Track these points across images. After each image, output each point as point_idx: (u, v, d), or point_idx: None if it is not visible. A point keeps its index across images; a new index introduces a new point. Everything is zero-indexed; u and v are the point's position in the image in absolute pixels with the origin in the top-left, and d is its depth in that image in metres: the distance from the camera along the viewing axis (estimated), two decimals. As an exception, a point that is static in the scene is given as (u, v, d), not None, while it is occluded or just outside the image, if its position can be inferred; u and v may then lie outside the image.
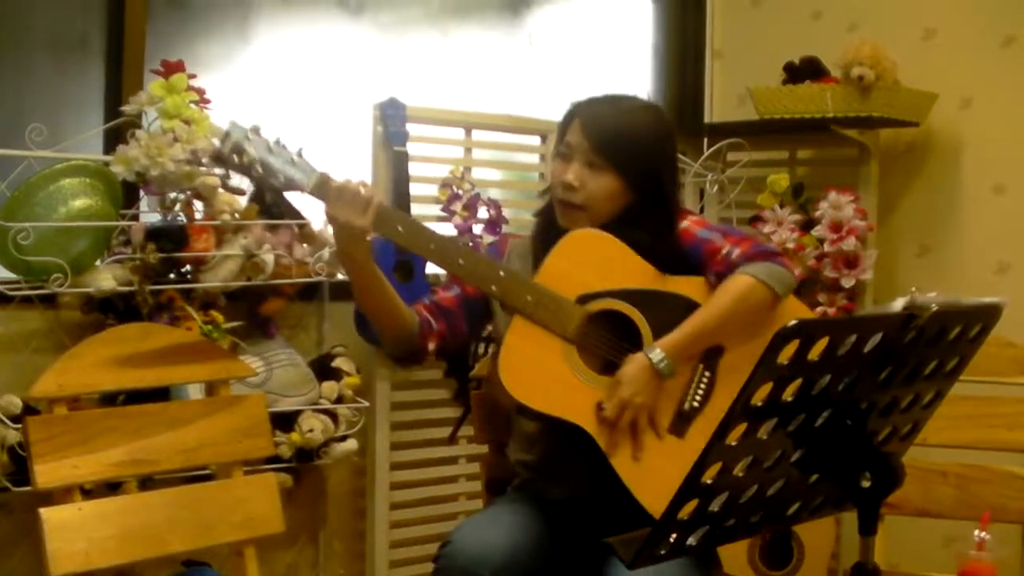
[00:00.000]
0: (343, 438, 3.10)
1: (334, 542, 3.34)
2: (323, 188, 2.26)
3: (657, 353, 2.32)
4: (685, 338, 2.35)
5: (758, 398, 1.45)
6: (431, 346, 2.45)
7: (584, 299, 2.37)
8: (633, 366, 2.33)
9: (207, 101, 2.84)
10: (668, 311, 2.39)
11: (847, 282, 3.57)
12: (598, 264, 2.39)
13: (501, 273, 2.35)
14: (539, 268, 2.38)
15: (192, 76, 2.82)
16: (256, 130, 2.26)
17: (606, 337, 2.39)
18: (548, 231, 2.46)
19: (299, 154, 2.28)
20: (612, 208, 2.41)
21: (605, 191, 2.39)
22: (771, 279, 2.37)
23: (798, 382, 1.47)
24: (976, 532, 2.22)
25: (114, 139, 2.89)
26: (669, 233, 2.44)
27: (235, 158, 2.24)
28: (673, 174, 2.51)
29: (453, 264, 2.34)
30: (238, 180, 2.93)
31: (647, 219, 2.42)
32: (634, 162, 2.39)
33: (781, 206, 3.68)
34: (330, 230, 2.34)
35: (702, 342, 2.37)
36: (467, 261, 2.34)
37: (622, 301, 2.39)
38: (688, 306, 2.39)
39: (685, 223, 2.47)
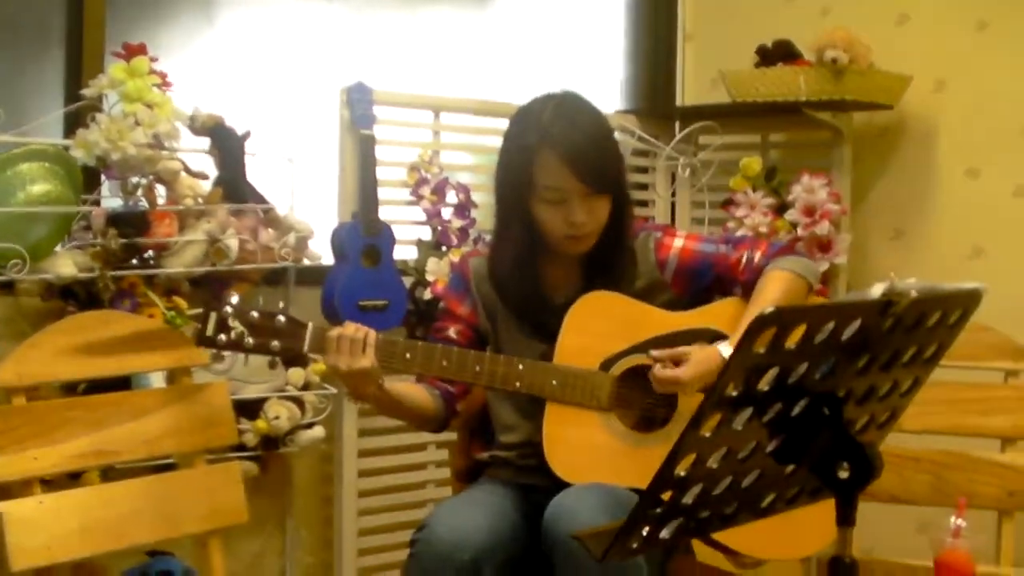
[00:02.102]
0: (310, 425, 3.07)
1: (301, 530, 3.32)
2: (320, 343, 2.26)
3: (729, 350, 2.34)
4: None
5: (733, 388, 1.41)
6: (460, 406, 2.54)
7: (607, 364, 2.40)
8: (705, 354, 2.34)
9: (169, 84, 2.80)
10: None
11: (820, 266, 3.54)
12: (609, 326, 2.41)
13: (520, 367, 2.36)
14: (556, 348, 2.39)
15: (154, 59, 2.78)
16: (237, 307, 2.24)
17: (638, 394, 2.42)
18: (531, 261, 2.46)
19: (283, 314, 2.26)
20: (606, 219, 2.42)
21: (605, 214, 2.41)
22: (805, 271, 2.45)
23: (774, 371, 1.44)
24: (952, 519, 2.20)
25: (74, 123, 2.85)
26: (631, 219, 2.49)
27: (223, 338, 2.23)
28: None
29: (470, 373, 2.35)
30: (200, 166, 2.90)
31: (623, 214, 2.44)
32: (616, 177, 2.43)
33: (754, 190, 3.66)
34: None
35: None
36: (483, 367, 2.35)
37: (643, 354, 2.40)
38: (709, 335, 2.42)
39: (678, 242, 2.48)
